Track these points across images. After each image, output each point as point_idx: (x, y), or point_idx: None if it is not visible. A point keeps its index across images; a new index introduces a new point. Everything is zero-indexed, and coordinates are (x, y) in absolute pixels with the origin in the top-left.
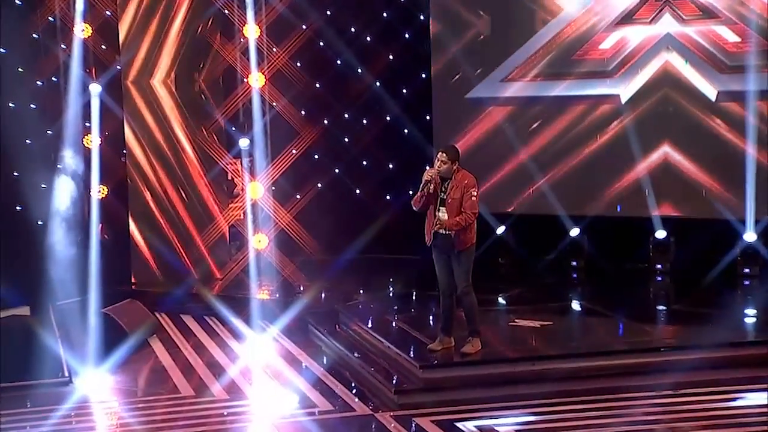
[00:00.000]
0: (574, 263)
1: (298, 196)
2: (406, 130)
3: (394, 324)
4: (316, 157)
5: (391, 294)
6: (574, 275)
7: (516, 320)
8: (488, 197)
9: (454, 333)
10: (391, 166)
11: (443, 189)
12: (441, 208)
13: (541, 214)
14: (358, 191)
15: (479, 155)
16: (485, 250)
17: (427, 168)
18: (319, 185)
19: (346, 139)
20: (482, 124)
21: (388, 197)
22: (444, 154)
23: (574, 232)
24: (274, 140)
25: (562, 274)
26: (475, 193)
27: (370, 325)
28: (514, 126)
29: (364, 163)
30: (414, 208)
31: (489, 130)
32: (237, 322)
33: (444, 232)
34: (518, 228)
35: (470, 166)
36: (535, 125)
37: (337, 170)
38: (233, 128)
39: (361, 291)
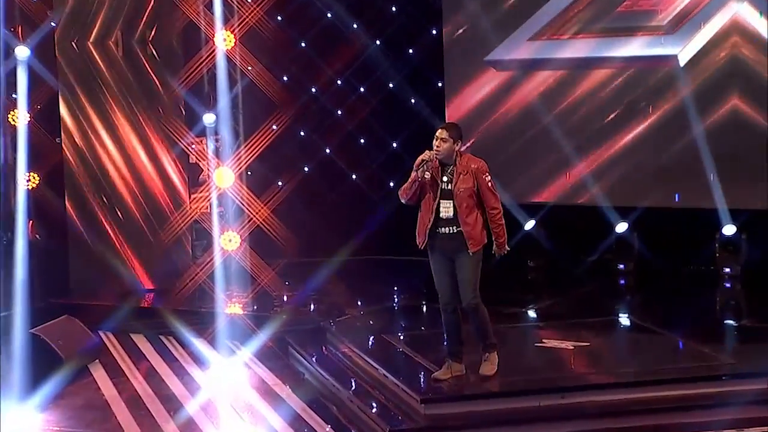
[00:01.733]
0: (621, 266)
1: (279, 184)
2: (412, 100)
3: (395, 346)
4: (302, 134)
5: (394, 307)
6: (621, 281)
7: (544, 340)
8: (514, 185)
9: (466, 358)
10: (394, 144)
11: (444, 177)
12: (443, 201)
13: (580, 205)
14: (354, 176)
15: (501, 132)
16: (510, 251)
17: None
18: (306, 169)
19: (339, 112)
20: (505, 94)
21: (391, 184)
22: (444, 131)
23: (621, 227)
24: (248, 115)
25: (605, 280)
26: (490, 180)
27: (364, 348)
28: (544, 96)
29: (361, 141)
30: (402, 200)
31: (513, 100)
32: (200, 344)
33: (450, 230)
34: (551, 223)
35: (491, 146)
36: (570, 95)
37: (327, 150)
38: (196, 100)
39: (358, 303)
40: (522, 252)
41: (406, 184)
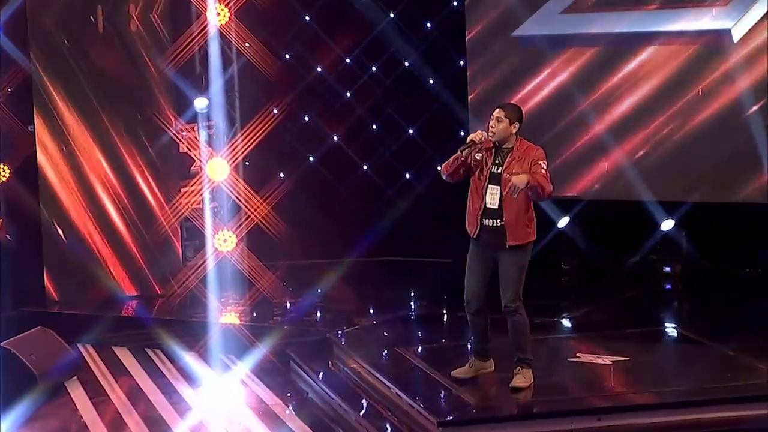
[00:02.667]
0: (667, 269)
1: (281, 176)
2: (431, 81)
3: (411, 361)
4: (306, 120)
5: (410, 316)
6: (667, 286)
7: (578, 355)
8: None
9: (496, 373)
10: (410, 131)
11: (496, 160)
12: (491, 186)
13: (620, 200)
14: (365, 167)
15: (531, 117)
16: (540, 250)
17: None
18: (311, 159)
19: (348, 95)
20: (534, 74)
21: (407, 175)
22: (500, 110)
23: (667, 224)
24: (245, 98)
25: (648, 284)
26: (545, 165)
27: (376, 363)
28: (579, 76)
29: (373, 127)
30: (442, 175)
31: (544, 81)
32: (190, 358)
33: (494, 224)
34: (587, 220)
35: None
36: (608, 75)
37: (335, 138)
38: (186, 83)
39: (369, 311)
40: (555, 253)
41: (450, 159)
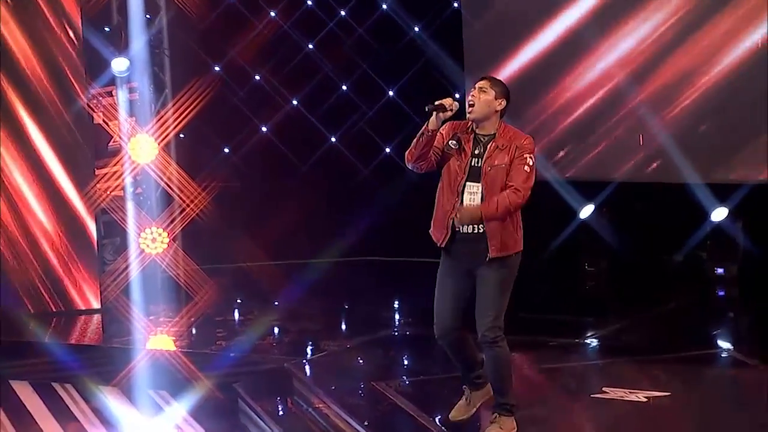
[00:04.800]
0: (719, 271)
1: (225, 151)
2: (415, 28)
3: (392, 399)
4: (257, 79)
5: (393, 336)
6: (719, 293)
7: (605, 389)
8: (562, 155)
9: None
10: (390, 93)
11: (476, 150)
12: (470, 184)
13: (658, 183)
14: (333, 139)
15: (541, 74)
16: (558, 249)
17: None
18: (264, 130)
19: (310, 46)
20: (549, 16)
21: (387, 150)
22: (486, 81)
23: (719, 214)
24: (178, 56)
25: (695, 291)
26: (532, 162)
27: (346, 401)
28: (596, 21)
29: (344, 88)
30: (408, 165)
31: (558, 26)
32: (109, 395)
33: (474, 229)
34: (617, 208)
35: (527, 93)
36: (635, 32)
37: (294, 102)
38: (100, 38)
39: (340, 330)
40: (576, 251)
41: (414, 140)
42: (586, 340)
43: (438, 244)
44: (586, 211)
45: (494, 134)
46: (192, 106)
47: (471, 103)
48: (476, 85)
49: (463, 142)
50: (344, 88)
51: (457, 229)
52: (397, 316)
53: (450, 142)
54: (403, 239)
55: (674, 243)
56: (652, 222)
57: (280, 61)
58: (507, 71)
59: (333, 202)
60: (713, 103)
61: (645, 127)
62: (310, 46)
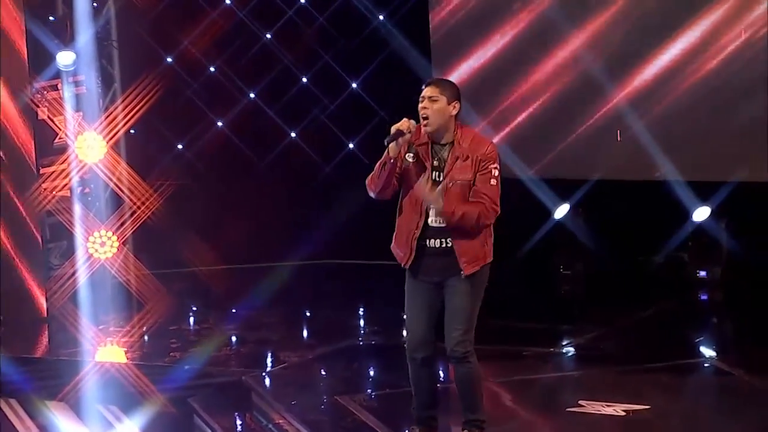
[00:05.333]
0: (702, 274)
1: (179, 147)
2: (380, 16)
3: (357, 415)
4: (212, 71)
5: (359, 345)
6: (702, 297)
7: (582, 402)
8: (536, 152)
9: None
10: (354, 85)
11: (435, 161)
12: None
13: (638, 180)
14: (293, 134)
15: (512, 62)
16: (531, 251)
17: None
18: (219, 125)
19: (268, 36)
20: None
21: (350, 146)
22: (433, 87)
23: (701, 213)
24: (127, 51)
25: (677, 296)
26: (497, 172)
27: (308, 418)
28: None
29: (304, 80)
30: (370, 193)
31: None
32: (56, 410)
33: (441, 244)
34: (594, 208)
35: (497, 86)
36: (613, 23)
37: (251, 95)
38: (45, 30)
39: (302, 340)
40: (550, 253)
41: (375, 169)
42: (561, 350)
43: (401, 264)
44: (561, 211)
45: (453, 141)
46: (143, 101)
47: (424, 116)
48: (424, 95)
49: (420, 154)
50: (305, 80)
51: (426, 245)
52: (362, 324)
53: (407, 155)
54: (368, 241)
55: (654, 244)
56: (631, 222)
57: (236, 52)
58: (476, 61)
59: (293, 202)
60: (696, 96)
61: (622, 121)
62: (268, 35)
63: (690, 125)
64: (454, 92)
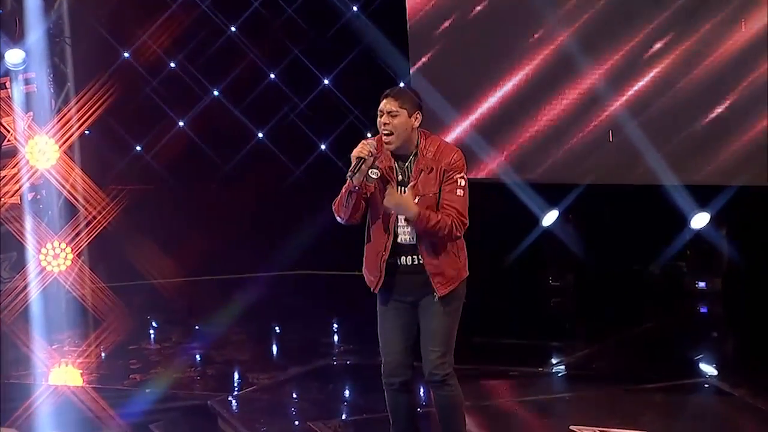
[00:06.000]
0: (701, 284)
1: (138, 149)
2: (354, 8)
3: None
4: (172, 66)
5: (333, 365)
6: (702, 310)
7: (573, 427)
8: (522, 154)
9: None
10: (325, 81)
11: (399, 177)
12: (401, 217)
13: (632, 184)
14: (260, 134)
15: (497, 81)
16: (517, 261)
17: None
18: (181, 125)
19: (233, 29)
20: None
21: (322, 146)
22: (392, 101)
23: (700, 220)
24: (81, 46)
25: (675, 308)
26: (464, 182)
27: None
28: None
29: (272, 77)
30: (338, 218)
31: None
32: None
33: (413, 261)
34: (585, 214)
35: (481, 82)
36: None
37: (215, 93)
38: None
39: (271, 360)
40: (538, 264)
41: (340, 194)
42: (549, 369)
43: (372, 289)
44: (550, 218)
45: (416, 152)
46: (98, 101)
47: (386, 132)
48: (383, 109)
49: (384, 172)
50: (272, 76)
51: (396, 263)
52: (337, 341)
53: (370, 171)
54: (343, 250)
55: (650, 253)
56: (625, 229)
57: (198, 47)
58: (459, 56)
59: (262, 208)
60: (694, 96)
61: (616, 122)
62: (233, 28)
63: (690, 125)
64: (414, 102)
